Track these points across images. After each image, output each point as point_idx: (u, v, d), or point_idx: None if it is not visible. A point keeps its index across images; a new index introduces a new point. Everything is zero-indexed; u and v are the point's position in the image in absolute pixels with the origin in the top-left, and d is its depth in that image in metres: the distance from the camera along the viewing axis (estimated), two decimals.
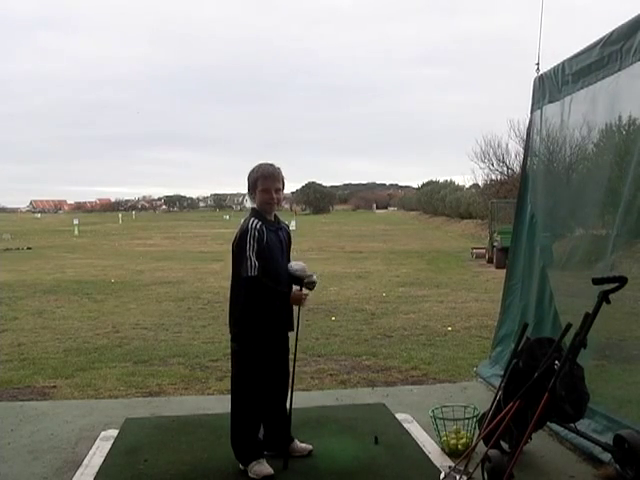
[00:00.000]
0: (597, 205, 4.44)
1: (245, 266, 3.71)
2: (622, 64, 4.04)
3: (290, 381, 4.05)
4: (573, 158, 5.11)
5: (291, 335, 4.07)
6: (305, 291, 3.99)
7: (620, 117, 4.27)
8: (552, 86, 5.12)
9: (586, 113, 4.61)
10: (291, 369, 4.08)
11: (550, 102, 5.17)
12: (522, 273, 5.51)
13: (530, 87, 5.52)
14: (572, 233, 5.05)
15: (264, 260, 3.76)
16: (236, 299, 3.89)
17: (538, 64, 5.38)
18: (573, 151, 5.07)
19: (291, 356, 4.09)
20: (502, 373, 4.09)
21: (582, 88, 4.60)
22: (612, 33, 4.16)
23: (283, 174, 4.00)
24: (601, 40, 4.28)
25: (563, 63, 4.91)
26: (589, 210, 4.54)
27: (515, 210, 5.88)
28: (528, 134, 5.71)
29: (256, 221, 3.83)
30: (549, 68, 5.18)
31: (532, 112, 5.54)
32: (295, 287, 3.96)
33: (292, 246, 4.18)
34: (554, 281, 4.92)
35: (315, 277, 4.01)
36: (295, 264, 4.00)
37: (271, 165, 3.97)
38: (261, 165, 3.96)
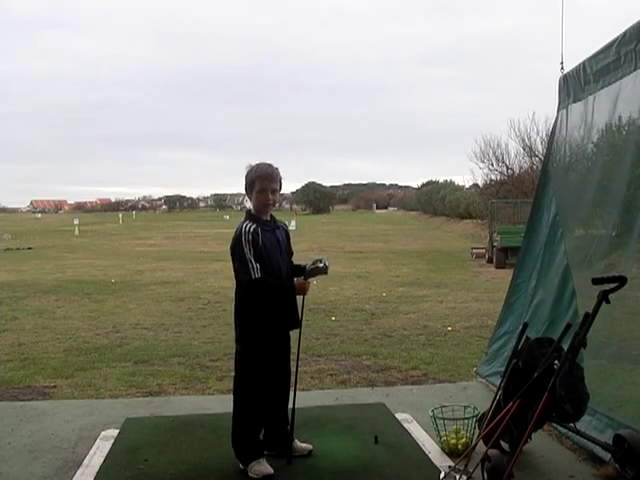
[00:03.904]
0: (618, 204, 4.43)
1: (247, 269, 3.71)
2: (637, 63, 4.06)
3: (292, 380, 4.05)
4: (598, 157, 5.07)
5: (291, 335, 4.07)
6: (312, 279, 4.02)
7: (635, 116, 4.27)
8: (576, 86, 5.17)
9: (609, 112, 4.61)
10: (293, 368, 4.08)
11: (574, 102, 5.21)
12: (538, 272, 5.42)
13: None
14: (598, 232, 4.99)
15: (263, 261, 3.76)
16: (241, 302, 3.89)
17: (562, 63, 5.42)
18: (598, 150, 5.04)
19: (292, 355, 4.09)
20: (501, 370, 4.08)
21: (603, 87, 4.62)
22: (625, 33, 4.18)
23: (281, 174, 3.95)
24: (616, 40, 4.32)
25: (584, 63, 4.94)
26: (612, 209, 4.52)
27: (531, 208, 5.83)
28: (552, 133, 5.73)
29: (249, 224, 3.81)
30: (571, 68, 5.22)
31: (558, 111, 5.56)
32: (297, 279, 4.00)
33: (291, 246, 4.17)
34: (578, 281, 4.81)
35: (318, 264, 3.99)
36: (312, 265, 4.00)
37: (269, 165, 3.92)
38: (259, 165, 3.91)
